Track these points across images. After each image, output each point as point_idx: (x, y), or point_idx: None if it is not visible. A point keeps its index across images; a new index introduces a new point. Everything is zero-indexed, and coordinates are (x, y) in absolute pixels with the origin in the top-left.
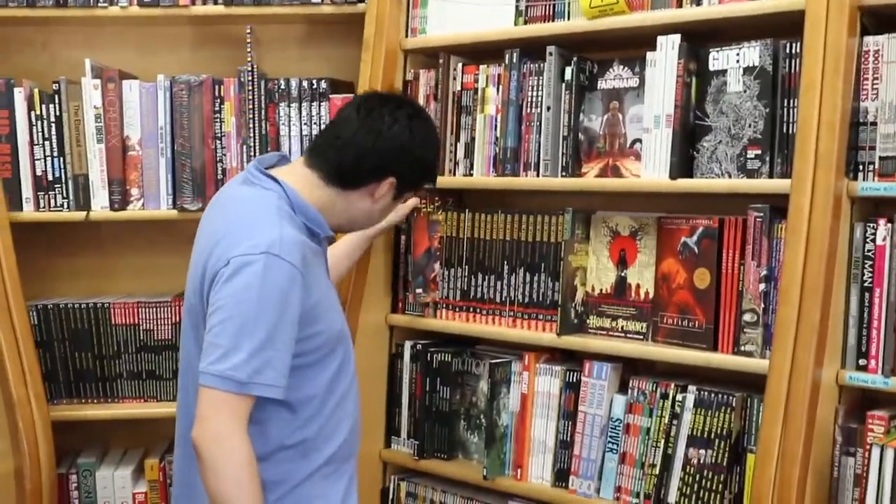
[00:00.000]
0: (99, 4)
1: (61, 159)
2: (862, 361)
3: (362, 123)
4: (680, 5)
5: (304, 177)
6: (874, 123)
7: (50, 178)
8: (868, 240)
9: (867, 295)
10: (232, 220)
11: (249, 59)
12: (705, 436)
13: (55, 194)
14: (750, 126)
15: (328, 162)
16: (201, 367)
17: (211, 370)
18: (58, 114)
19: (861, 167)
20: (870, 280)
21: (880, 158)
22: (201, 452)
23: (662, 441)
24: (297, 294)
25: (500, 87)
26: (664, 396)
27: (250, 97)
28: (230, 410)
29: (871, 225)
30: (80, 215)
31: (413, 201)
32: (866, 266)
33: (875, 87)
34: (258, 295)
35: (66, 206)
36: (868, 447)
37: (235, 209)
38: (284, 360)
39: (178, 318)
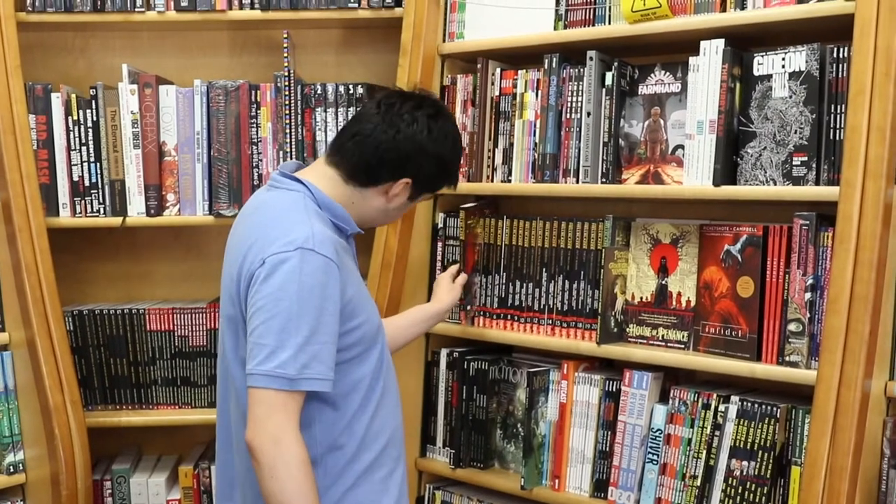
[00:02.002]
0: (136, 9)
1: (98, 165)
2: None
3: (381, 120)
4: (724, 9)
5: (325, 174)
6: None
7: (87, 183)
8: None
9: None
10: (261, 222)
11: (286, 63)
12: (748, 447)
13: (91, 200)
14: (796, 132)
15: (346, 158)
16: (249, 369)
17: (259, 370)
18: (95, 119)
19: None
20: None
21: None
22: (258, 455)
23: (704, 452)
24: (336, 286)
25: (539, 92)
26: (706, 407)
27: (287, 102)
28: (283, 409)
29: None
30: (117, 221)
31: (462, 278)
32: None
33: None
34: (297, 290)
35: (102, 211)
36: None
37: (263, 213)
38: (331, 352)
39: (213, 325)
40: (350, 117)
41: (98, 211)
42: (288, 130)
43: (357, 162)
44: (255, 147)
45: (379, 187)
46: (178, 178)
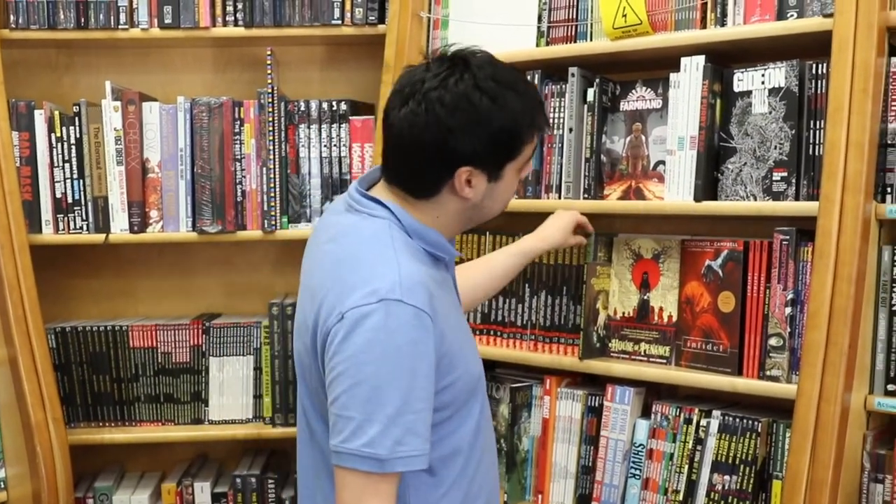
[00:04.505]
0: (120, 27)
1: (81, 181)
2: (891, 387)
3: (402, 120)
4: (704, 26)
5: (398, 195)
6: None
7: (70, 200)
8: None
9: None
10: (340, 259)
11: (270, 80)
12: (730, 461)
13: (74, 216)
14: (776, 148)
15: (396, 176)
16: (333, 445)
17: (345, 448)
18: (78, 136)
19: (889, 189)
20: None
21: None
22: None
23: (686, 467)
24: (430, 341)
25: None
26: (688, 421)
27: (270, 119)
28: (375, 495)
29: None
30: (100, 238)
31: (573, 214)
32: (895, 290)
33: None
34: (383, 352)
35: (85, 228)
36: None
37: (343, 245)
38: (426, 421)
39: (196, 341)
40: (334, 135)
41: (81, 228)
42: (272, 147)
43: (404, 176)
44: (238, 164)
45: (443, 192)
46: (161, 195)
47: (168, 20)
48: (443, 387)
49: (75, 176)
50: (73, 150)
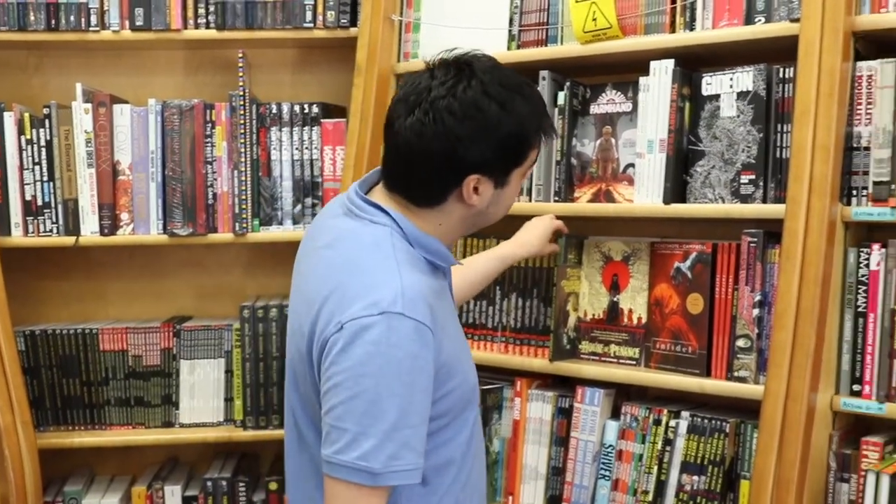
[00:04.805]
0: (91, 28)
1: (51, 184)
2: (856, 387)
3: (408, 130)
4: (673, 30)
5: (398, 202)
6: (867, 148)
7: (39, 202)
8: (862, 265)
9: (861, 320)
10: (339, 265)
11: (241, 83)
12: (699, 462)
13: (44, 219)
14: (743, 151)
15: (399, 185)
16: (325, 455)
17: (338, 459)
18: (48, 138)
19: (855, 192)
20: (864, 305)
21: (874, 183)
22: None
23: (655, 467)
24: (430, 354)
25: None
26: (657, 422)
27: (242, 121)
28: None
29: (865, 250)
30: (70, 240)
31: (550, 221)
32: (860, 291)
33: (868, 111)
34: (382, 366)
35: (55, 230)
36: (863, 473)
37: (343, 251)
38: (421, 436)
39: (167, 344)
40: (306, 137)
41: (51, 230)
42: (243, 150)
43: (410, 183)
44: (209, 166)
45: (449, 200)
46: (132, 198)
47: (139, 22)
48: (440, 396)
49: (45, 178)
50: (44, 153)
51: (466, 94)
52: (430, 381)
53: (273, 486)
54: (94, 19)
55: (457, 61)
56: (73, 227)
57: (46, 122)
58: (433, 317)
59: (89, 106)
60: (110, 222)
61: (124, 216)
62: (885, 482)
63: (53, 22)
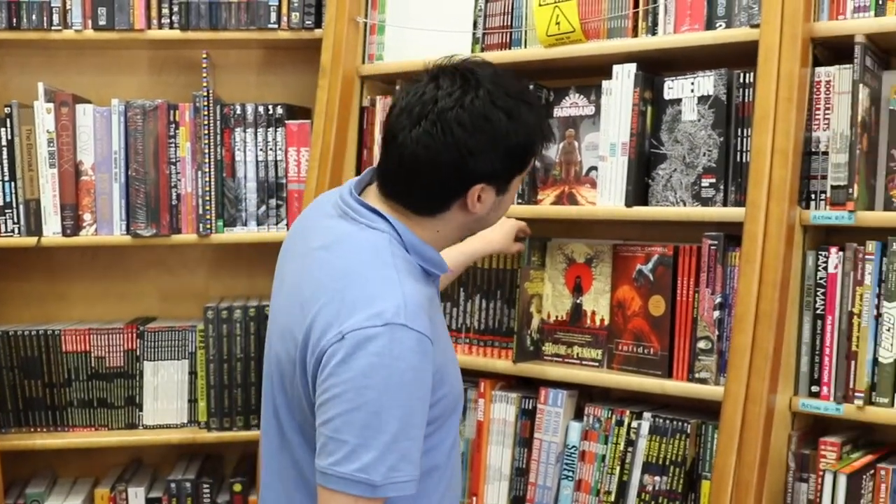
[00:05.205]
0: (53, 27)
1: (12, 184)
2: (815, 388)
3: (416, 142)
4: (636, 35)
5: (394, 208)
6: (825, 153)
7: (0, 203)
8: (820, 268)
9: (819, 322)
10: (338, 271)
11: (205, 84)
12: (660, 463)
13: (6, 220)
14: (704, 155)
15: (400, 194)
16: (322, 466)
17: (336, 471)
18: (9, 138)
19: (813, 196)
20: (822, 308)
21: (832, 187)
22: None
23: (618, 468)
24: (430, 365)
25: None
26: (619, 423)
27: (206, 122)
28: None
29: (823, 253)
30: (32, 241)
31: (515, 222)
32: (818, 294)
33: (827, 117)
34: (386, 378)
35: (17, 231)
36: (821, 473)
37: (341, 256)
38: (419, 447)
39: (130, 346)
40: (270, 138)
41: (12, 231)
42: (207, 150)
43: (414, 193)
44: (173, 167)
45: (452, 209)
46: (95, 198)
47: (102, 21)
48: (432, 403)
49: (6, 178)
50: (5, 152)
51: (475, 104)
52: (428, 391)
53: (237, 487)
54: (56, 18)
55: (460, 69)
56: (34, 227)
57: (7, 121)
58: (432, 327)
59: (51, 105)
60: (73, 223)
61: (87, 217)
62: (843, 482)
63: (15, 20)
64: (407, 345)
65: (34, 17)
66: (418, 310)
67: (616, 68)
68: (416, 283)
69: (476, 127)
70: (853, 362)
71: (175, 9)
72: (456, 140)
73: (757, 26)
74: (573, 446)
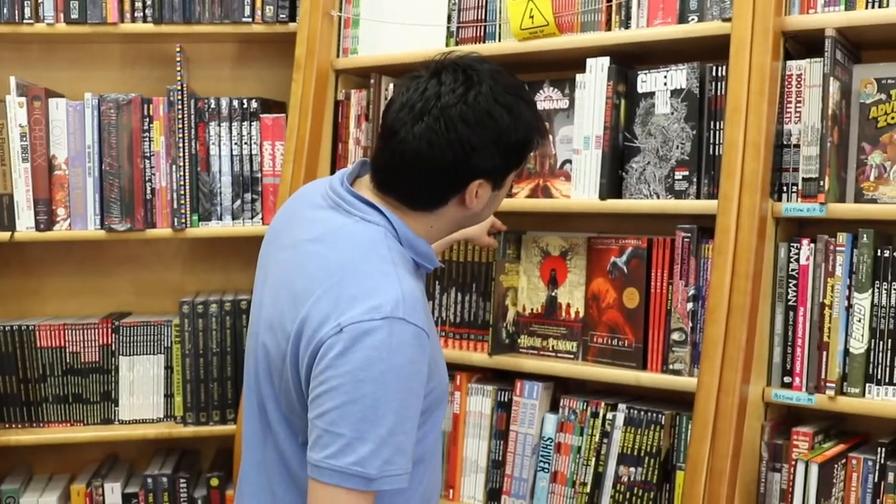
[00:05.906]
0: (25, 21)
1: None
2: (787, 379)
3: (419, 138)
4: (609, 28)
5: (388, 202)
6: (797, 146)
7: None
8: (792, 259)
9: (791, 314)
10: (334, 264)
11: (179, 77)
12: (635, 454)
13: None
14: (677, 148)
15: (398, 190)
16: (315, 459)
17: (331, 465)
18: None
19: (785, 188)
20: (794, 299)
21: (803, 180)
22: None
23: (593, 459)
24: (425, 359)
25: None
26: (594, 415)
27: (180, 116)
28: None
29: (795, 245)
30: (5, 236)
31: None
32: (790, 285)
33: (798, 110)
34: (384, 371)
35: None
36: (793, 463)
37: (337, 249)
38: (413, 440)
39: (105, 341)
40: (245, 132)
41: None
42: (181, 145)
43: (412, 189)
44: (147, 161)
45: (450, 203)
46: (68, 193)
47: (75, 15)
48: (424, 395)
49: None
50: None
51: (479, 101)
52: (423, 385)
53: (214, 482)
54: (28, 12)
55: (462, 66)
56: (7, 222)
57: None
58: (427, 321)
59: (24, 100)
60: (46, 217)
61: (61, 211)
62: (814, 471)
63: None
64: (405, 339)
65: (5, 10)
66: (415, 304)
67: (590, 62)
68: (411, 278)
69: (479, 123)
70: (825, 353)
71: (148, 2)
72: (459, 136)
73: (729, 20)
74: (549, 438)
